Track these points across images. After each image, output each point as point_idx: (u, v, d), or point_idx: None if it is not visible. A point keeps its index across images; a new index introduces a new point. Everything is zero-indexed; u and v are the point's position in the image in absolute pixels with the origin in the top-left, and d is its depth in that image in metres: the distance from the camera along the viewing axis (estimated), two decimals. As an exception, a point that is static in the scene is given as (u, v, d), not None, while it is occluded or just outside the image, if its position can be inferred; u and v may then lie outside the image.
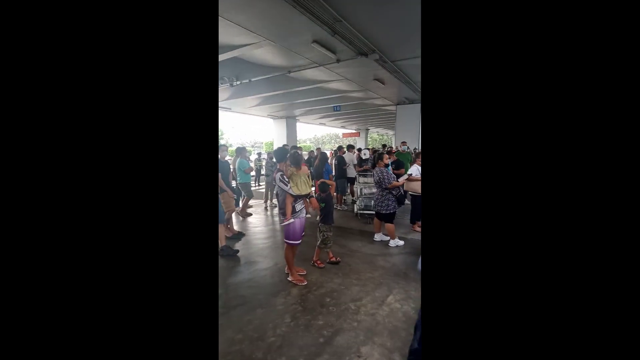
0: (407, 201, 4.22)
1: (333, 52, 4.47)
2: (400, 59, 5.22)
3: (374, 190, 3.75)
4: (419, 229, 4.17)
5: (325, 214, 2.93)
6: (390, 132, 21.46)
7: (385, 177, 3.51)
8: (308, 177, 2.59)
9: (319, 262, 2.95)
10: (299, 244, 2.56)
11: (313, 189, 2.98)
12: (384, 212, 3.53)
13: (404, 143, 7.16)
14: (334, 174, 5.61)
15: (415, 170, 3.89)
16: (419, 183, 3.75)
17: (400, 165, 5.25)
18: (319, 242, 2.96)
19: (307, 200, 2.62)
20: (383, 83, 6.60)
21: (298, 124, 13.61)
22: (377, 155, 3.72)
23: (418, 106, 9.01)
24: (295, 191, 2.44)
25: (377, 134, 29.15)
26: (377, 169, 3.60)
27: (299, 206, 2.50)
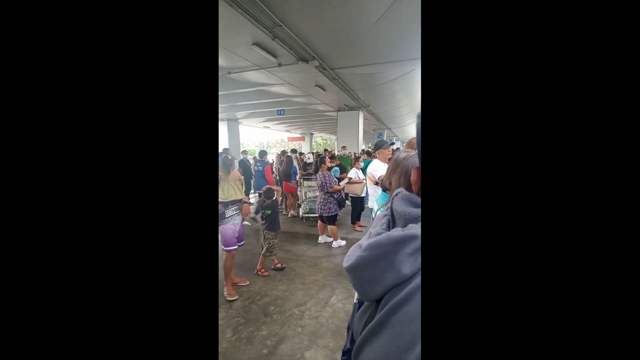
0: (347, 202, 4.41)
1: (274, 55, 4.44)
2: (339, 67, 5.47)
3: (318, 193, 3.82)
4: (359, 229, 4.41)
5: (271, 221, 2.87)
6: (333, 137, 22.26)
7: (328, 180, 3.62)
8: (240, 182, 2.53)
9: (262, 270, 2.87)
10: (233, 250, 2.45)
11: (257, 195, 2.89)
12: (326, 214, 3.63)
13: (344, 147, 7.50)
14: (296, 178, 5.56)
15: (354, 173, 4.10)
16: (359, 185, 3.96)
17: (343, 169, 5.48)
18: (263, 250, 2.89)
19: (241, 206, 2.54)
20: (324, 89, 6.81)
21: (241, 127, 13.10)
22: (319, 160, 3.82)
23: (356, 113, 9.56)
24: (220, 196, 2.36)
25: (322, 139, 29.94)
26: (319, 172, 3.69)
27: (229, 212, 2.41)
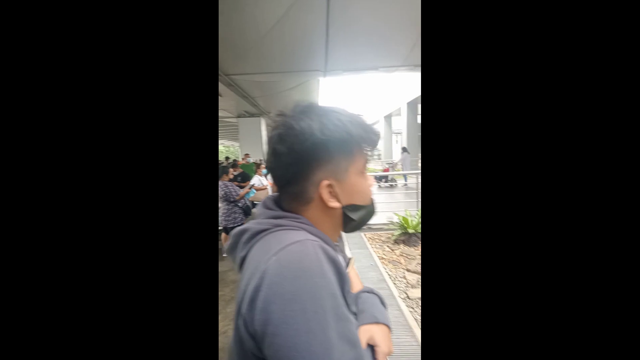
0: (254, 210, 4.36)
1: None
2: (235, 74, 5.36)
3: (220, 204, 3.63)
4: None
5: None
6: (236, 144, 21.33)
7: (232, 190, 3.49)
8: None
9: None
10: None
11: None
12: (231, 225, 3.49)
13: (247, 155, 7.35)
14: None
15: (257, 180, 4.09)
16: (263, 192, 3.98)
17: (246, 177, 5.36)
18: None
19: None
20: (220, 95, 6.51)
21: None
22: (221, 169, 3.63)
23: (259, 119, 9.51)
24: None
25: (224, 146, 28.19)
26: (220, 183, 3.51)
27: None
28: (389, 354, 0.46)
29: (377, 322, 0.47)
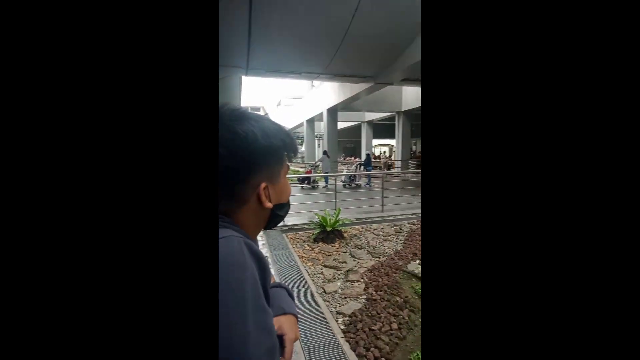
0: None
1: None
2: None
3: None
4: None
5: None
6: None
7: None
8: None
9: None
10: None
11: None
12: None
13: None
14: None
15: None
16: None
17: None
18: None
19: None
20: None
21: None
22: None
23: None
24: None
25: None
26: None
27: None
28: (296, 340, 0.53)
29: (285, 313, 0.53)
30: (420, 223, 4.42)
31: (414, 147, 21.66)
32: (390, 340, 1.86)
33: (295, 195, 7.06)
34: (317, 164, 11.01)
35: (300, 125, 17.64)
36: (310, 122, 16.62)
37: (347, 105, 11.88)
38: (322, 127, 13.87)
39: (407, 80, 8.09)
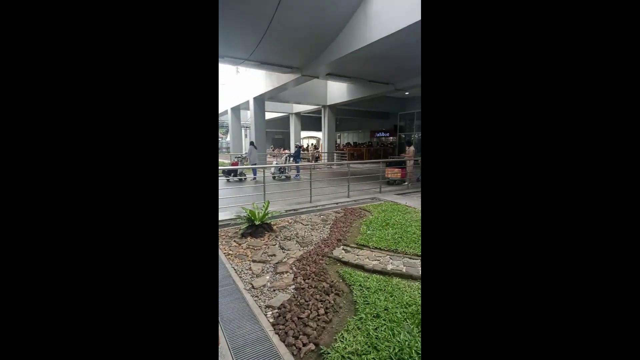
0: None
1: None
2: None
3: None
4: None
5: None
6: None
7: None
8: None
9: None
10: None
11: None
12: None
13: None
14: None
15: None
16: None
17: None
18: None
19: None
20: None
21: None
22: None
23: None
24: None
25: None
26: None
27: None
28: None
29: None
30: (344, 212, 4.73)
31: (338, 141, 22.90)
32: (318, 325, 1.96)
33: (221, 189, 6.61)
34: (244, 155, 10.54)
35: (225, 113, 16.47)
36: (236, 110, 15.71)
37: (275, 95, 11.65)
38: (248, 115, 13.27)
39: (332, 75, 8.40)
